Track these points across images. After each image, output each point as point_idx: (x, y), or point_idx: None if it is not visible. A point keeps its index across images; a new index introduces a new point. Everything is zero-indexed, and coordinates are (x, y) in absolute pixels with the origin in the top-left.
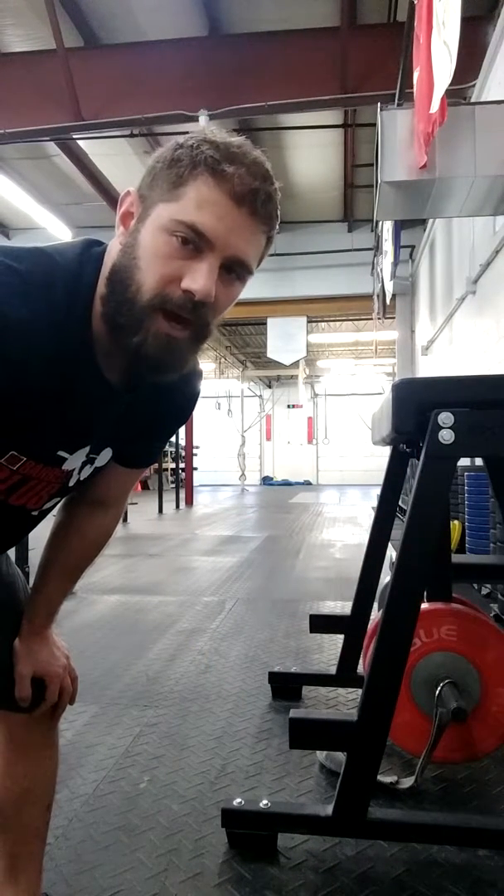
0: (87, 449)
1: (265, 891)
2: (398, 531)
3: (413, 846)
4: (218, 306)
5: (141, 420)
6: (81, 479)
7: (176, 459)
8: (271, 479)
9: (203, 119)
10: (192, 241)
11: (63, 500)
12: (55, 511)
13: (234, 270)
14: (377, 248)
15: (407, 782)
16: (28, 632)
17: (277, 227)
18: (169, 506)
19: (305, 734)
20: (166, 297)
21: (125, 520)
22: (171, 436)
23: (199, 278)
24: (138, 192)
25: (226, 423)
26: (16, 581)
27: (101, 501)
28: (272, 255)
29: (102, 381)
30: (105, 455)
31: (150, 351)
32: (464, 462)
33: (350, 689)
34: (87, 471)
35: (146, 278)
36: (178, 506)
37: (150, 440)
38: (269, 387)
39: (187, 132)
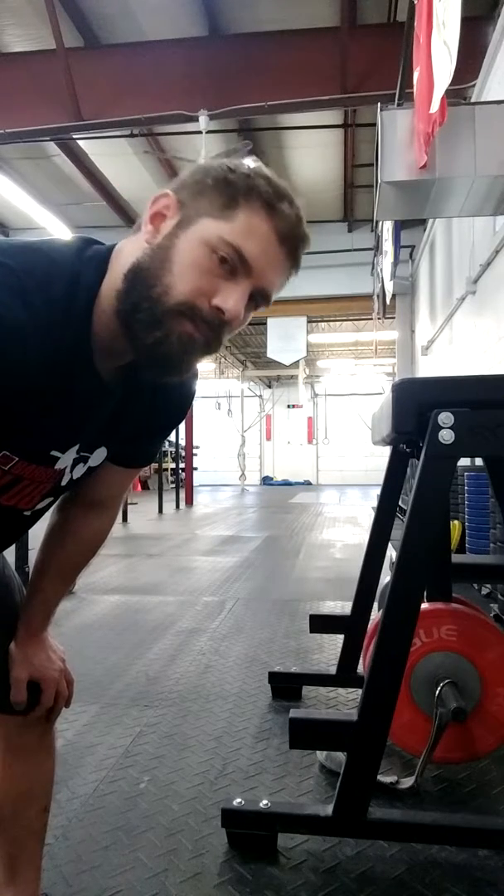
0: (76, 447)
1: (265, 891)
2: (398, 531)
3: (413, 846)
4: (233, 327)
5: (137, 419)
6: (74, 478)
7: (176, 459)
8: (271, 479)
9: (203, 119)
10: (232, 263)
11: (58, 500)
12: (50, 512)
13: (256, 299)
14: (377, 248)
15: (407, 782)
16: (24, 635)
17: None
18: (169, 506)
19: (305, 734)
20: (195, 309)
21: (125, 519)
22: (168, 436)
23: (231, 300)
24: (177, 197)
25: (226, 423)
26: (11, 583)
27: (96, 502)
28: None
29: (97, 380)
30: (99, 454)
31: (168, 349)
32: (464, 462)
33: (350, 689)
34: (80, 470)
35: (177, 284)
36: (178, 506)
37: (146, 440)
38: (269, 387)
39: (187, 132)
